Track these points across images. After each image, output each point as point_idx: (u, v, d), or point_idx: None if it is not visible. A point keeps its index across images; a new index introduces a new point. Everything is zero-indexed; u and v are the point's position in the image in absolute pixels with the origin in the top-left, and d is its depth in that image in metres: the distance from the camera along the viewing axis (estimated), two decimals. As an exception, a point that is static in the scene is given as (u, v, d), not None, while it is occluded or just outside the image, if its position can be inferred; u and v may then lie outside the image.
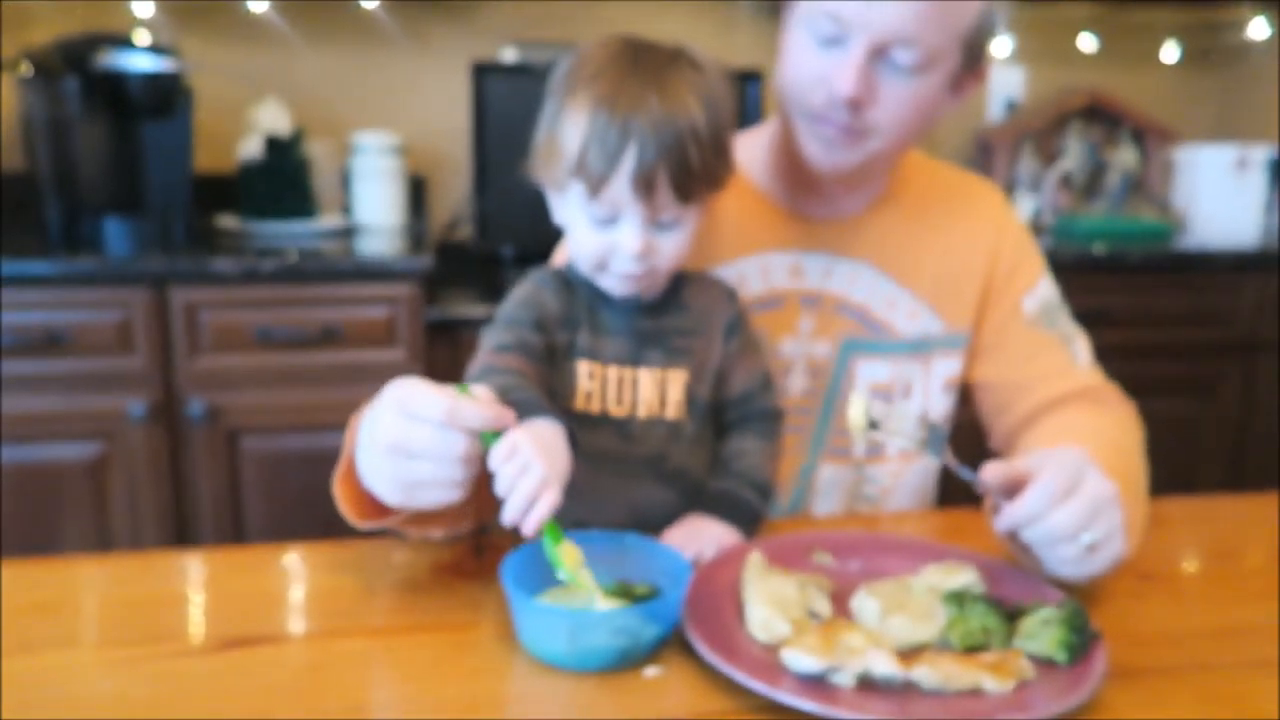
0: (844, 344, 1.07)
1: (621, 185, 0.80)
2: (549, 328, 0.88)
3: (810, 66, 0.92)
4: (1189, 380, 2.29)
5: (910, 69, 0.90)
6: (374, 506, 0.78)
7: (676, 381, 0.89)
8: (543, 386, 0.81)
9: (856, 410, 0.79)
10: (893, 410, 0.81)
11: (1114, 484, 0.76)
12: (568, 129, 0.82)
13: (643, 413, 0.88)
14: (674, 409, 0.89)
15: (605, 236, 0.84)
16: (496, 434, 0.70)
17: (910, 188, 1.10)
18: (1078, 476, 0.74)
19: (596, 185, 0.81)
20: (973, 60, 0.95)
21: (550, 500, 0.67)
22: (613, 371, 0.88)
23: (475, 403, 0.70)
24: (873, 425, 0.79)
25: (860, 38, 0.88)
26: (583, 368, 0.88)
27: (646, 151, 0.79)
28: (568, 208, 0.87)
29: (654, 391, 0.88)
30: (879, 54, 0.89)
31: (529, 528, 0.67)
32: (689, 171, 0.81)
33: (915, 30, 0.87)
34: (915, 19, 0.87)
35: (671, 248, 0.85)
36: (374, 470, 0.73)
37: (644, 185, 0.80)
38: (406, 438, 0.70)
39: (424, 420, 0.69)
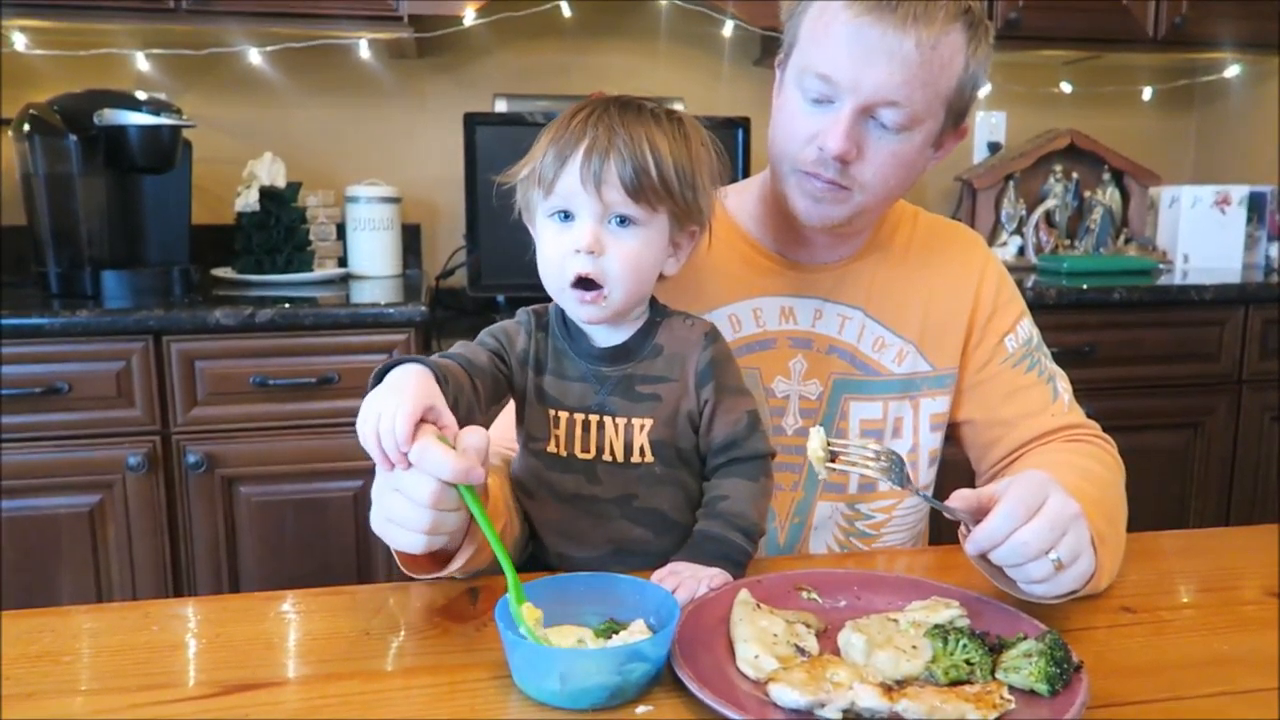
0: (835, 384, 1.09)
1: (572, 176, 0.83)
2: (507, 359, 0.91)
3: (801, 124, 0.97)
4: (1176, 415, 2.31)
5: (896, 128, 0.94)
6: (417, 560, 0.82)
7: (642, 428, 0.89)
8: (471, 392, 0.84)
9: (815, 443, 0.81)
10: (852, 442, 0.83)
11: (1077, 503, 0.78)
12: (535, 147, 0.87)
13: (608, 457, 0.90)
14: (640, 453, 0.89)
15: (562, 238, 0.86)
16: (471, 490, 0.73)
17: (896, 235, 1.13)
18: (1040, 496, 0.77)
19: (551, 182, 0.84)
20: (955, 119, 1.00)
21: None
22: (578, 418, 0.90)
23: (444, 451, 0.72)
24: (832, 457, 0.81)
25: (849, 99, 0.93)
26: (550, 414, 0.90)
27: (597, 145, 0.83)
28: (537, 227, 0.89)
29: (618, 438, 0.89)
30: (866, 113, 0.94)
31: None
32: (639, 170, 0.83)
33: (902, 93, 0.92)
34: (902, 83, 0.92)
35: (625, 253, 0.85)
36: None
37: (593, 176, 0.82)
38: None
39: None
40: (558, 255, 0.86)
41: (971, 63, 0.96)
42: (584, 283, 0.85)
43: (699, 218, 0.90)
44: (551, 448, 0.90)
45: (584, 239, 0.84)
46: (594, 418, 0.89)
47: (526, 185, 0.88)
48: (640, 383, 0.90)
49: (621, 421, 0.89)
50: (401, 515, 0.75)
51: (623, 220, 0.85)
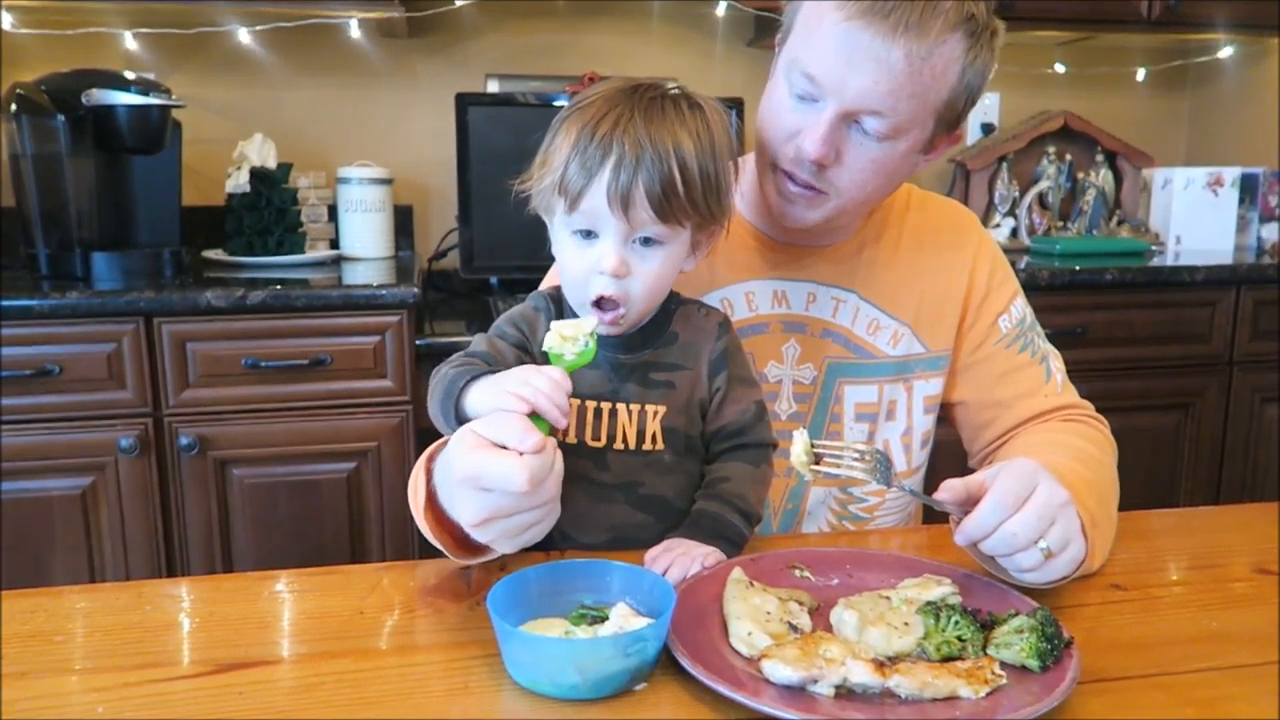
0: (829, 368, 1.09)
1: (598, 196, 0.81)
2: (531, 349, 0.90)
3: (784, 119, 0.95)
4: (1167, 396, 2.32)
5: (878, 136, 0.92)
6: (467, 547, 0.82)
7: (655, 415, 0.89)
8: None
9: (798, 447, 0.80)
10: (836, 444, 0.82)
11: (1065, 491, 0.78)
12: (556, 152, 0.84)
13: (619, 445, 0.89)
14: (651, 441, 0.89)
15: (586, 255, 0.84)
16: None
17: (890, 216, 1.12)
18: (1029, 486, 0.77)
19: (575, 198, 0.82)
20: (948, 127, 0.97)
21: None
22: (590, 405, 0.89)
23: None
24: (817, 460, 0.80)
25: (832, 103, 0.91)
26: None
27: (624, 163, 0.80)
28: (555, 231, 0.88)
29: (631, 425, 0.89)
30: (849, 119, 0.92)
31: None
32: (668, 189, 0.81)
33: (886, 103, 0.89)
34: (888, 93, 0.89)
35: (649, 273, 0.85)
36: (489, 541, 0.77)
37: (620, 198, 0.80)
38: (500, 512, 0.74)
39: (508, 493, 0.73)
40: (581, 272, 0.85)
41: (969, 72, 0.91)
42: (603, 300, 0.85)
43: (721, 219, 0.89)
44: (560, 434, 0.89)
45: (609, 262, 0.83)
46: (606, 405, 0.89)
47: (547, 190, 0.86)
48: (655, 370, 0.90)
49: (635, 408, 0.89)
50: (535, 521, 0.76)
51: (648, 240, 0.84)
